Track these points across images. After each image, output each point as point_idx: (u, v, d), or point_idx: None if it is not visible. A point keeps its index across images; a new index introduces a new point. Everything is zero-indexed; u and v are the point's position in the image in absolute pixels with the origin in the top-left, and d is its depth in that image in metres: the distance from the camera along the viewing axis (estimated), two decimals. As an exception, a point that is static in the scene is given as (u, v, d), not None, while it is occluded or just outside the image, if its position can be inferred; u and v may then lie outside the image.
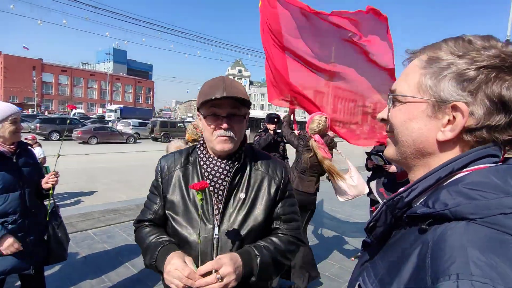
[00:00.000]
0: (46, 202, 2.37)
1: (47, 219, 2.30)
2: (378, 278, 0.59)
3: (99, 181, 8.72)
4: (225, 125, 1.14)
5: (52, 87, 71.32)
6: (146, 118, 35.28)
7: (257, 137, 4.58)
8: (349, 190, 3.31)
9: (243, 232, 1.17)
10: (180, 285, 0.99)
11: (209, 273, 1.00)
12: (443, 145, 0.60)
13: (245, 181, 1.24)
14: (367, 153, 4.02)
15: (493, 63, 0.54)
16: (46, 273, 3.28)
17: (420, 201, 0.59)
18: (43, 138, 19.38)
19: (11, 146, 2.11)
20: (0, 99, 56.30)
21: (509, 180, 0.52)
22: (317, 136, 3.30)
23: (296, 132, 3.72)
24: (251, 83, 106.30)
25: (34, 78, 63.64)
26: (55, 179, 2.24)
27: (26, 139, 5.61)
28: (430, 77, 0.60)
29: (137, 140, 22.47)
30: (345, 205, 7.14)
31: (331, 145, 3.43)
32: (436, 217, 0.53)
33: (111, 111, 43.92)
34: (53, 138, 19.78)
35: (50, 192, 2.22)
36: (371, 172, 4.14)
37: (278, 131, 4.57)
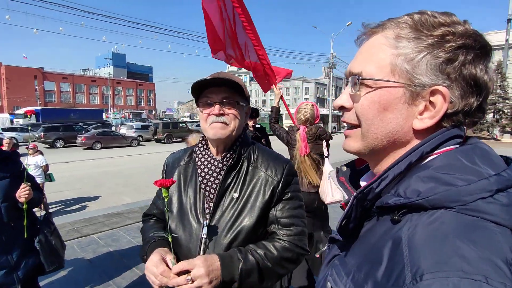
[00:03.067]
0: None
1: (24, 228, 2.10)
2: (350, 277, 0.54)
3: (104, 186, 8.79)
4: (216, 110, 1.13)
5: (55, 95, 71.82)
6: (88, 121, 29.10)
7: None
8: (324, 196, 2.95)
9: (231, 234, 1.12)
10: (156, 282, 1.01)
11: (185, 272, 0.98)
12: (418, 134, 0.55)
13: (241, 179, 1.18)
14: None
15: (467, 43, 0.51)
16: (52, 278, 3.35)
17: (390, 190, 0.54)
18: (48, 146, 19.59)
19: None
20: (4, 110, 56.88)
21: (476, 160, 0.49)
22: (302, 128, 3.05)
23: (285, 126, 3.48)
24: (251, 79, 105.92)
25: (36, 87, 64.20)
26: (27, 192, 2.06)
27: (26, 148, 5.68)
28: (405, 59, 0.53)
29: (141, 143, 22.58)
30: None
31: (322, 137, 3.09)
32: (411, 206, 0.49)
33: (19, 116, 31.78)
34: (57, 146, 19.96)
35: (25, 206, 2.04)
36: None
37: (258, 126, 4.47)
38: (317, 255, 3.22)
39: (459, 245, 0.41)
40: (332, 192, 2.91)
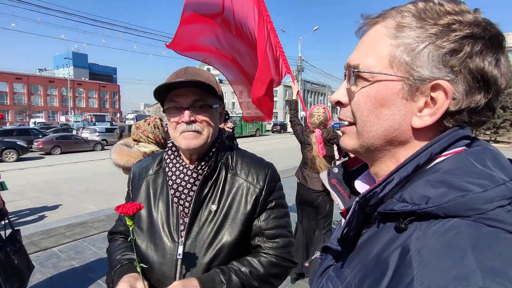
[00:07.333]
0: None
1: None
2: None
3: (65, 193, 8.17)
4: (186, 118, 0.99)
5: (7, 97, 66.47)
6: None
7: None
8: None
9: (211, 252, 1.00)
10: None
11: None
12: (418, 133, 0.50)
13: (219, 189, 1.06)
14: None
15: (475, 33, 0.46)
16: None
17: (394, 194, 0.50)
18: None
19: None
20: None
21: (488, 163, 0.45)
22: (317, 131, 3.14)
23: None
24: (220, 81, 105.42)
25: (-15, 88, 59.11)
26: None
27: None
28: (405, 50, 0.49)
29: (105, 147, 21.44)
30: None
31: (332, 141, 3.18)
32: (419, 214, 0.44)
33: None
34: (11, 151, 18.39)
35: None
36: None
37: (234, 126, 4.54)
38: (306, 264, 3.21)
39: (480, 259, 0.36)
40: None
